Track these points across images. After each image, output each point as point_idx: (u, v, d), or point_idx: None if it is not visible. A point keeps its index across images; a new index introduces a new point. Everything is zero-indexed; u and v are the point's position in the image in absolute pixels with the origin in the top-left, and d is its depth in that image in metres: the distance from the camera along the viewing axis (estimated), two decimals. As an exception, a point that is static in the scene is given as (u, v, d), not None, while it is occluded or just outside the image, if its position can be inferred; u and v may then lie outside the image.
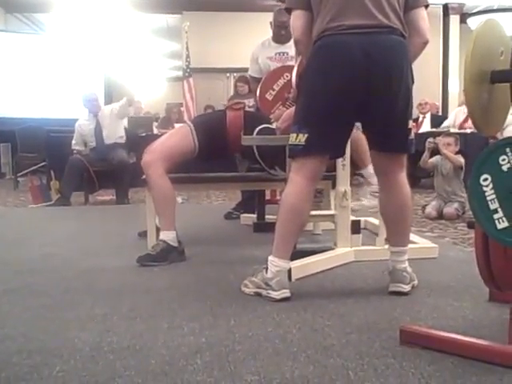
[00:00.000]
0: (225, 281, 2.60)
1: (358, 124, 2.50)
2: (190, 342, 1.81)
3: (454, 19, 11.45)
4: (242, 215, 4.43)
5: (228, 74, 11.26)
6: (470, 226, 3.85)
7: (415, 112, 8.29)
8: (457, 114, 7.69)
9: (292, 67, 2.85)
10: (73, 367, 1.62)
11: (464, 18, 11.06)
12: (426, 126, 8.09)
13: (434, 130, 7.55)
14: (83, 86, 8.81)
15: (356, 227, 3.02)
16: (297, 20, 2.30)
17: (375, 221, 3.55)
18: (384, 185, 2.41)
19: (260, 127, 3.26)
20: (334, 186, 3.28)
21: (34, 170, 7.80)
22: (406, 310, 2.13)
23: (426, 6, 2.30)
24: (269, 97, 3.63)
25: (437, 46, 11.21)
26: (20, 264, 3.02)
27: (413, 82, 2.25)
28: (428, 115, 8.36)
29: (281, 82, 3.58)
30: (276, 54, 4.33)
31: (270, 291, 2.27)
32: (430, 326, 1.87)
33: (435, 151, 4.97)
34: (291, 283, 2.35)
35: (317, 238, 3.70)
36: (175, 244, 2.98)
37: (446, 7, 11.23)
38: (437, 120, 8.25)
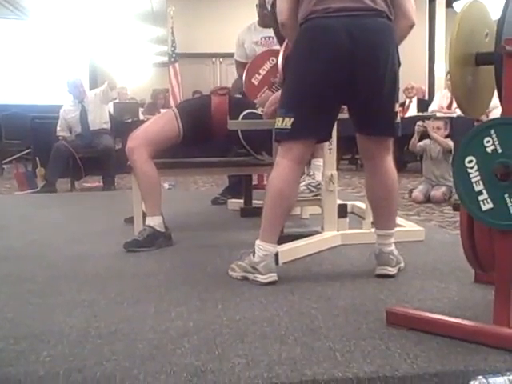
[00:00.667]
0: (212, 265, 2.60)
1: None
2: (177, 326, 1.81)
3: (440, 3, 11.46)
4: (229, 200, 4.43)
5: (214, 59, 11.21)
6: (456, 208, 3.90)
7: (402, 96, 8.31)
8: (440, 100, 7.73)
9: (278, 51, 2.84)
10: (60, 352, 1.61)
11: (450, 2, 11.07)
12: (412, 111, 8.13)
13: (420, 114, 7.58)
14: (68, 72, 8.74)
15: (343, 211, 3.03)
16: (283, 3, 2.28)
17: (362, 205, 3.57)
18: (370, 169, 2.41)
19: (245, 112, 3.25)
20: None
21: (19, 157, 7.74)
22: (393, 292, 2.15)
23: None
24: (255, 81, 3.62)
25: (423, 31, 11.23)
26: (5, 251, 3.00)
27: (399, 64, 2.24)
28: (414, 99, 8.40)
29: (267, 66, 3.56)
30: (262, 39, 4.30)
31: (257, 275, 2.27)
32: (416, 308, 1.88)
33: (424, 135, 4.99)
34: (278, 267, 2.36)
35: (304, 222, 3.71)
36: (162, 229, 2.98)
37: (431, -9, 11.23)
38: (423, 104, 8.28)
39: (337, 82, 2.18)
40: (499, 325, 1.62)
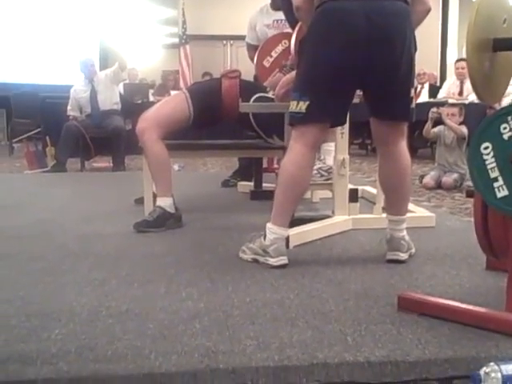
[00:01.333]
0: (222, 247, 2.61)
1: None
2: (188, 306, 1.82)
3: (454, -12, 11.33)
4: (239, 183, 4.43)
5: (225, 42, 11.17)
6: (469, 194, 3.86)
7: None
8: (450, 87, 7.68)
9: (290, 34, 2.81)
10: (72, 330, 1.62)
11: (464, -13, 10.96)
12: (424, 96, 8.08)
13: (432, 100, 7.53)
14: (78, 52, 8.73)
15: (354, 196, 3.02)
16: None
17: (372, 189, 3.56)
18: (384, 154, 2.39)
19: (256, 96, 3.23)
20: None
21: (30, 136, 7.74)
22: (404, 277, 2.14)
23: None
24: (266, 63, 3.60)
25: (436, 16, 11.12)
26: (17, 230, 3.01)
27: (416, 49, 2.22)
28: (426, 85, 8.35)
29: (279, 48, 3.54)
30: (274, 22, 4.26)
31: (267, 258, 2.27)
32: (427, 294, 1.87)
33: (438, 121, 4.95)
34: (289, 250, 2.36)
35: (315, 206, 3.70)
36: (172, 210, 2.98)
37: (446, -24, 11.10)
38: (435, 90, 8.23)
39: (353, 66, 2.15)
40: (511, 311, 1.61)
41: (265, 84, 3.44)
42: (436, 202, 4.09)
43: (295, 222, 2.62)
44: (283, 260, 2.26)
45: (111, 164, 6.24)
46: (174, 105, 3.17)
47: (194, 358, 1.44)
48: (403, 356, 1.45)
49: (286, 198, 2.29)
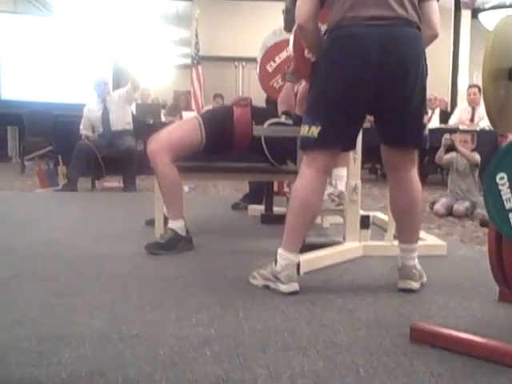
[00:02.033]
0: (232, 271, 2.60)
1: None
2: (198, 332, 1.81)
3: (466, 14, 11.36)
4: (250, 206, 4.43)
5: (237, 63, 11.20)
6: (483, 224, 3.84)
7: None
8: (461, 113, 7.68)
9: None
10: (82, 354, 1.62)
11: (476, 13, 11.00)
12: (434, 122, 8.07)
13: (443, 126, 7.54)
14: (92, 71, 8.81)
15: (365, 222, 3.01)
16: (303, 4, 2.22)
17: (383, 216, 3.54)
18: (395, 181, 2.38)
19: (269, 122, 3.23)
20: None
21: (42, 155, 7.79)
22: (415, 307, 2.13)
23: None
24: (269, 68, 3.64)
25: (447, 41, 11.14)
26: (27, 249, 3.01)
27: (426, 75, 2.23)
28: (437, 111, 8.36)
29: (283, 55, 3.57)
30: None
31: (278, 284, 2.26)
32: (439, 325, 1.85)
33: (450, 147, 4.94)
34: (300, 277, 2.35)
35: (325, 231, 3.70)
36: (183, 233, 2.98)
37: (457, 2, 11.14)
38: (445, 116, 8.24)
39: (366, 92, 2.16)
40: (526, 346, 1.60)
41: (278, 101, 3.44)
42: (447, 229, 4.07)
43: (306, 248, 2.60)
44: (294, 287, 2.25)
45: (122, 184, 6.26)
46: (186, 129, 3.17)
47: (204, 387, 1.43)
48: (416, 389, 1.44)
49: (297, 223, 2.29)
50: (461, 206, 4.64)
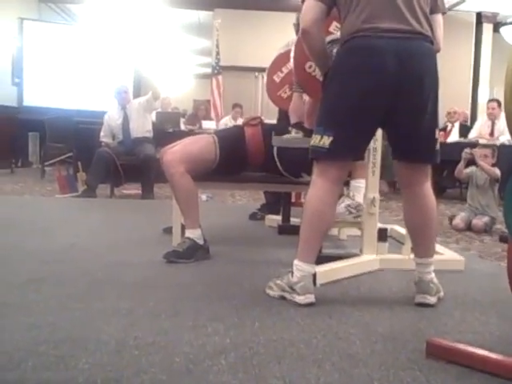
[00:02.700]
0: (249, 282, 2.60)
1: None
2: (214, 341, 1.81)
3: (487, 28, 11.31)
4: (267, 217, 4.43)
5: (257, 74, 11.25)
6: (502, 239, 3.82)
7: (443, 120, 8.23)
8: (481, 127, 7.64)
9: None
10: (98, 360, 1.63)
11: (497, 27, 10.95)
12: (454, 135, 8.04)
13: (462, 139, 7.50)
14: (113, 79, 8.90)
15: (383, 235, 3.00)
16: (309, 10, 2.21)
17: (401, 229, 3.53)
18: (408, 195, 2.37)
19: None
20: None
21: (61, 161, 7.87)
22: (432, 322, 2.12)
23: (443, 14, 2.31)
24: (276, 78, 3.65)
25: (468, 55, 11.10)
26: (46, 254, 3.05)
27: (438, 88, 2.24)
28: (457, 124, 8.31)
29: (290, 65, 3.57)
30: None
31: (294, 295, 2.26)
32: (456, 340, 1.84)
33: (470, 162, 4.92)
34: (316, 288, 2.34)
35: (342, 243, 3.69)
36: (201, 242, 3.00)
37: (479, 15, 11.09)
38: (465, 129, 8.18)
39: (380, 105, 2.16)
40: (544, 364, 1.58)
41: (289, 112, 3.44)
42: (465, 244, 4.04)
43: (322, 259, 2.61)
44: (310, 298, 2.25)
45: (140, 191, 6.30)
46: (202, 144, 3.18)
47: (219, 396, 1.43)
48: (432, 405, 1.43)
49: (311, 234, 2.29)
50: (479, 221, 4.61)
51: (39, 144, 9.72)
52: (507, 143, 6.73)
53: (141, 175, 6.22)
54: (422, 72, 2.14)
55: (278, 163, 3.27)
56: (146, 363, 1.62)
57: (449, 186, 7.29)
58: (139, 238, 3.65)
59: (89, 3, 10.81)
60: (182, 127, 8.27)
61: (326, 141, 2.19)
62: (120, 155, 6.15)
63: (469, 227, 4.64)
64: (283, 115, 3.70)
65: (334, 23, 2.47)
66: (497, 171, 4.70)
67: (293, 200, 4.50)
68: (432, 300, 2.31)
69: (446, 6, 2.28)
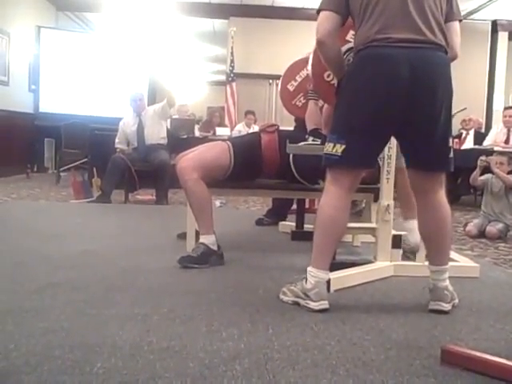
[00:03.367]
0: (263, 287, 2.61)
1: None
2: (228, 347, 1.82)
3: (503, 36, 11.26)
4: (281, 223, 4.44)
5: (271, 81, 11.26)
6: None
7: (458, 128, 8.20)
8: (497, 134, 7.59)
9: None
10: (113, 365, 1.64)
11: (513, 35, 10.91)
12: (469, 143, 7.99)
13: (477, 147, 7.45)
14: (128, 86, 8.97)
15: (397, 242, 3.00)
16: (325, 21, 2.24)
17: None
18: (423, 203, 2.37)
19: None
20: (375, 199, 3.26)
21: (77, 166, 7.93)
22: (447, 328, 2.11)
23: (460, 21, 2.31)
24: (290, 87, 3.66)
25: (483, 62, 11.05)
26: (62, 259, 3.07)
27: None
28: (471, 131, 8.27)
29: (303, 73, 3.59)
30: None
31: (308, 301, 2.27)
32: (471, 348, 1.83)
33: (486, 169, 4.90)
34: (330, 294, 2.34)
35: (356, 250, 3.69)
36: (215, 247, 3.01)
37: (494, 24, 11.05)
38: (480, 137, 8.14)
39: (393, 115, 2.17)
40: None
41: (306, 119, 3.45)
42: (479, 251, 4.02)
43: (336, 266, 2.61)
44: (324, 305, 2.25)
45: (154, 197, 6.32)
46: (216, 151, 3.20)
47: (234, 401, 1.44)
48: (446, 412, 1.42)
49: (324, 241, 2.30)
50: (494, 228, 4.58)
51: (55, 150, 9.80)
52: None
53: (155, 181, 6.24)
54: (435, 81, 2.15)
55: (293, 170, 3.28)
56: (161, 368, 1.63)
57: (463, 193, 7.24)
58: (153, 243, 3.66)
59: (105, 12, 10.90)
60: (197, 134, 8.29)
61: (339, 148, 2.21)
62: (135, 161, 6.17)
63: (483, 234, 4.62)
64: (301, 124, 3.70)
65: (351, 32, 2.48)
66: (512, 178, 4.68)
67: (307, 206, 4.51)
68: (446, 307, 2.30)
69: (462, 14, 2.27)
